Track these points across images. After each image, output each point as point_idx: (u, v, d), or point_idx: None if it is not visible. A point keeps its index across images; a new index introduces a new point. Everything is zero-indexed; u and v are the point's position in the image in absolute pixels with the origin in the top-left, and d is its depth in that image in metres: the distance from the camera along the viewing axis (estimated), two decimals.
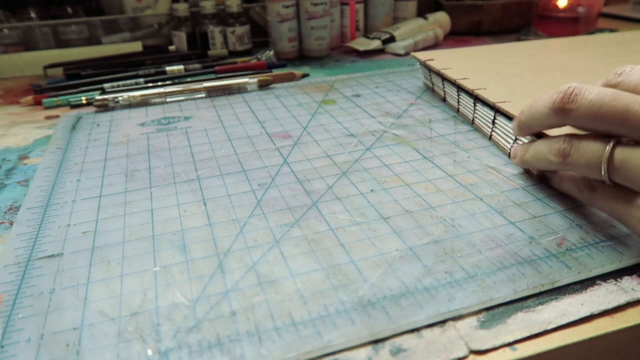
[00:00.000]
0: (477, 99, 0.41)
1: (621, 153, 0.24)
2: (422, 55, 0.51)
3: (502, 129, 0.37)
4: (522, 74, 0.43)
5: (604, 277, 0.25)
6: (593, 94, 0.25)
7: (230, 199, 0.33)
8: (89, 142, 0.43)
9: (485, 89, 0.40)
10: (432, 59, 0.49)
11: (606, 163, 0.25)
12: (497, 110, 0.37)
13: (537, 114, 0.28)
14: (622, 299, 0.23)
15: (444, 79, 0.47)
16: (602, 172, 0.25)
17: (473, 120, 0.42)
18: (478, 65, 0.47)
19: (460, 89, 0.44)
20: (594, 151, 0.25)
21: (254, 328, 0.22)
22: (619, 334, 0.22)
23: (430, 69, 0.49)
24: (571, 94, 0.26)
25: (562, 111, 0.26)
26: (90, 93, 0.55)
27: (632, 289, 0.24)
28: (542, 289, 0.24)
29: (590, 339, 0.22)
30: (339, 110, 0.48)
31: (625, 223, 0.26)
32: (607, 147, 0.25)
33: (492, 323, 0.22)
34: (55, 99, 0.54)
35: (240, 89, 0.56)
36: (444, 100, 0.49)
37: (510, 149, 0.36)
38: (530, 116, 0.29)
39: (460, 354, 0.21)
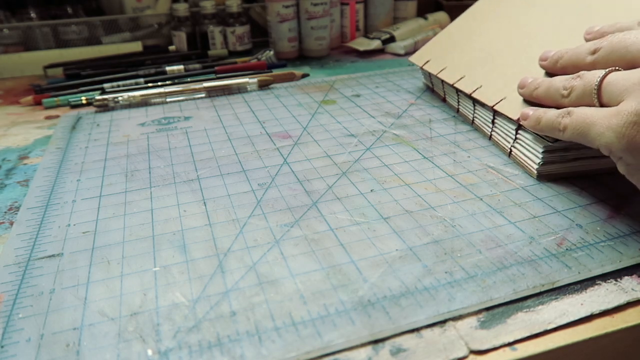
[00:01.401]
0: (476, 100, 0.41)
1: (612, 77, 0.27)
2: (418, 60, 0.51)
3: (502, 129, 0.37)
4: (506, 47, 0.42)
5: (604, 277, 0.25)
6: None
7: (230, 199, 0.33)
8: (89, 142, 0.43)
9: (481, 86, 0.40)
10: (428, 60, 0.49)
11: (598, 83, 0.27)
12: (496, 112, 0.37)
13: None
14: (622, 299, 0.23)
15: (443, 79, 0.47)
16: (593, 93, 0.28)
17: (473, 120, 0.42)
18: (465, 48, 0.46)
19: (459, 90, 0.44)
20: (593, 74, 0.28)
21: (254, 328, 0.22)
22: (619, 334, 0.22)
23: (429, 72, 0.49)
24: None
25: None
26: (90, 93, 0.55)
27: (632, 289, 0.24)
28: (542, 289, 0.24)
29: (590, 339, 0.22)
30: (339, 110, 0.48)
31: (587, 140, 0.28)
32: (604, 72, 0.28)
33: (492, 323, 0.22)
34: (55, 99, 0.54)
35: (240, 89, 0.56)
36: (444, 100, 0.49)
37: (510, 148, 0.36)
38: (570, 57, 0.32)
39: (460, 354, 0.21)
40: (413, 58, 0.52)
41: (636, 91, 0.25)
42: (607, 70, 0.28)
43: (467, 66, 0.44)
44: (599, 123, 0.26)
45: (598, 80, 0.27)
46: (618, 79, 0.27)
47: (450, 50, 0.48)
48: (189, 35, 0.72)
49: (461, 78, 0.43)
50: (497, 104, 0.37)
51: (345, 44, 0.77)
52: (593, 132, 0.27)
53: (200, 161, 0.38)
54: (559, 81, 0.31)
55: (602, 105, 0.28)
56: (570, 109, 0.29)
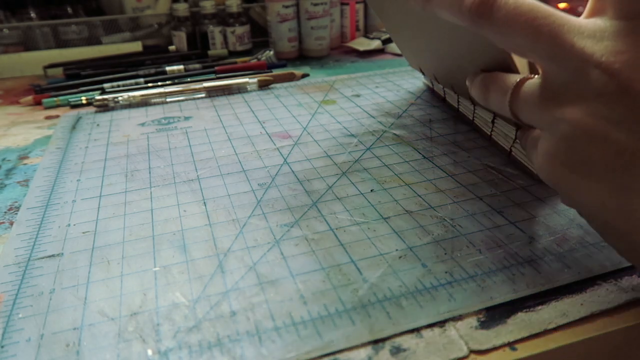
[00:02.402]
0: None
1: (527, 86, 0.24)
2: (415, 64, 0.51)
3: (502, 129, 0.37)
4: None
5: (604, 277, 0.25)
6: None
7: (230, 199, 0.33)
8: (89, 142, 0.43)
9: None
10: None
11: (510, 93, 0.25)
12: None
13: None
14: (622, 299, 0.23)
15: None
16: (506, 102, 0.25)
17: (473, 120, 0.42)
18: None
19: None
20: (507, 78, 0.25)
21: (254, 328, 0.22)
22: (619, 333, 0.22)
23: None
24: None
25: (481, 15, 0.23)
26: (90, 93, 0.55)
27: (632, 289, 0.24)
28: (542, 289, 0.24)
29: (590, 339, 0.22)
30: (339, 110, 0.48)
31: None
32: (518, 78, 0.24)
33: (492, 323, 0.22)
34: (55, 99, 0.54)
35: (240, 89, 0.56)
36: (443, 100, 0.49)
37: (510, 148, 0.36)
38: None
39: (460, 354, 0.21)
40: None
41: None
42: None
43: None
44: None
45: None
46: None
47: None
48: (189, 35, 0.72)
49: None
50: None
51: (345, 44, 0.77)
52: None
53: (200, 161, 0.38)
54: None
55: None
56: None
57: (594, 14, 0.22)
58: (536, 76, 0.23)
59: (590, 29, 0.20)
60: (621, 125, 0.19)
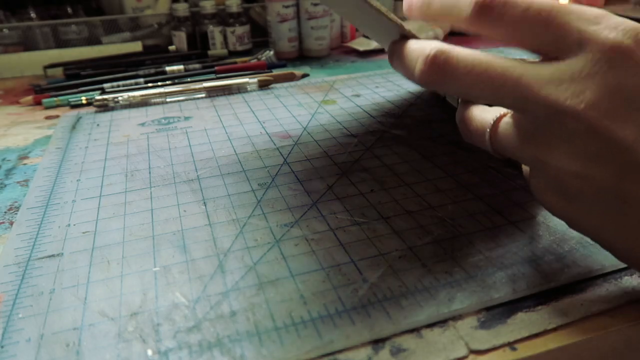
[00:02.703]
0: None
1: (504, 125, 0.23)
2: None
3: None
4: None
5: (604, 277, 0.25)
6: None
7: (230, 199, 0.33)
8: (89, 142, 0.43)
9: None
10: None
11: (489, 134, 0.24)
12: None
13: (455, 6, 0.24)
14: (622, 299, 0.23)
15: None
16: (487, 141, 0.24)
17: None
18: None
19: None
20: (484, 115, 0.25)
21: (254, 328, 0.22)
22: (619, 333, 0.22)
23: None
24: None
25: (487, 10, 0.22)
26: (90, 93, 0.55)
27: (632, 289, 0.24)
28: (542, 289, 0.24)
29: (590, 339, 0.22)
30: (339, 110, 0.48)
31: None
32: (494, 115, 0.24)
33: (492, 323, 0.22)
34: (55, 99, 0.54)
35: (240, 89, 0.56)
36: (444, 100, 0.49)
37: None
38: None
39: (460, 354, 0.21)
40: None
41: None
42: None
43: None
44: None
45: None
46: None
47: None
48: (189, 35, 0.72)
49: None
50: None
51: (345, 44, 0.77)
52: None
53: (200, 161, 0.38)
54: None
55: None
56: None
57: (546, 57, 0.22)
58: (510, 113, 0.23)
59: (548, 74, 0.21)
60: (599, 160, 0.20)
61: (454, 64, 0.22)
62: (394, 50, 0.26)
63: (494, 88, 0.22)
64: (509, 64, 0.21)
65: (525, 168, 0.25)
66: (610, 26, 0.20)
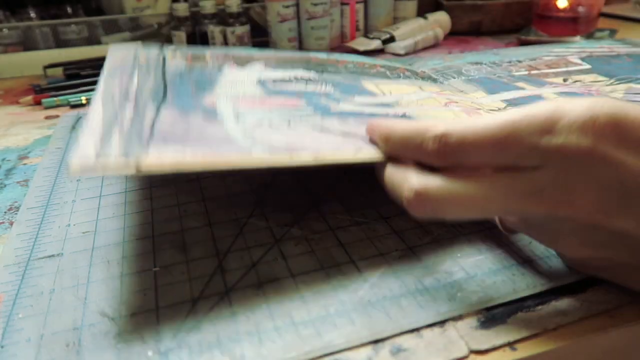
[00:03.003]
0: None
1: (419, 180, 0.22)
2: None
3: None
4: None
5: None
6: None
7: (230, 199, 0.33)
8: None
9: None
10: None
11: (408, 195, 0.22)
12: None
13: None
14: (622, 299, 0.23)
15: None
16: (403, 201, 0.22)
17: None
18: None
19: None
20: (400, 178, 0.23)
21: (254, 328, 0.22)
22: (618, 333, 0.22)
23: None
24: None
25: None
26: (90, 93, 0.55)
27: (632, 289, 0.24)
28: (542, 289, 0.24)
29: (590, 339, 0.22)
30: None
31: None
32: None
33: (492, 323, 0.22)
34: (55, 99, 0.54)
35: None
36: None
37: None
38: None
39: (460, 354, 0.21)
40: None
41: None
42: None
43: None
44: None
45: None
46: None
47: None
48: (189, 35, 0.72)
49: None
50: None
51: (345, 44, 0.77)
52: None
53: None
54: None
55: None
56: None
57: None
58: None
59: (528, 187, 0.20)
60: (609, 245, 0.21)
61: (436, 200, 0.21)
62: (379, 171, 0.25)
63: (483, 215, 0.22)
64: (491, 184, 0.21)
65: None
66: (563, 132, 0.19)
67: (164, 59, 0.37)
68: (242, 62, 0.38)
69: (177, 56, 0.38)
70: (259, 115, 0.29)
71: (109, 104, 0.27)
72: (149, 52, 0.39)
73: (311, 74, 0.38)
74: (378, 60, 0.47)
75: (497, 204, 0.21)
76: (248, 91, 0.33)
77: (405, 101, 0.35)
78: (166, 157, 0.22)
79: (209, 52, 0.40)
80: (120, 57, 0.37)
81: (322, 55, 0.44)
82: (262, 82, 0.35)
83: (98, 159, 0.21)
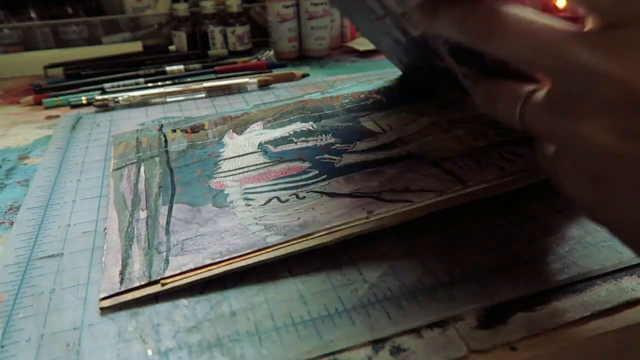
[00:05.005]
0: None
1: (536, 98, 0.21)
2: None
3: None
4: None
5: (604, 277, 0.25)
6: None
7: None
8: (89, 142, 0.43)
9: None
10: None
11: (520, 106, 0.22)
12: None
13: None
14: (622, 299, 0.23)
15: None
16: (516, 114, 0.22)
17: None
18: None
19: None
20: (517, 88, 0.23)
21: (254, 328, 0.22)
22: (618, 333, 0.22)
23: None
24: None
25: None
26: (90, 93, 0.55)
27: (632, 289, 0.24)
28: (542, 289, 0.24)
29: (591, 339, 0.22)
30: None
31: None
32: (528, 88, 0.22)
33: (492, 323, 0.22)
34: (55, 99, 0.54)
35: (240, 89, 0.56)
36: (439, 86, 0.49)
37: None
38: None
39: (460, 354, 0.21)
40: None
41: None
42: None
43: None
44: None
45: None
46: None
47: None
48: (189, 35, 0.72)
49: None
50: None
51: (345, 44, 0.77)
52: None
53: None
54: None
55: None
56: None
57: (592, 22, 0.20)
58: (543, 88, 0.22)
59: (593, 40, 0.19)
60: (638, 138, 0.18)
61: (503, 21, 0.20)
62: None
63: (535, 48, 0.20)
64: (551, 24, 0.20)
65: (548, 150, 0.23)
66: None
67: (165, 140, 0.39)
68: (240, 128, 0.40)
69: (177, 134, 0.40)
70: (266, 190, 0.31)
71: (123, 211, 0.30)
72: (150, 135, 0.41)
73: (309, 125, 0.39)
74: (373, 84, 0.48)
75: (555, 44, 0.19)
76: (251, 161, 0.34)
77: (407, 136, 0.36)
78: (187, 269, 0.25)
79: (206, 122, 0.42)
80: (123, 146, 0.39)
81: (317, 96, 0.45)
82: (263, 147, 0.36)
83: (123, 284, 0.24)
